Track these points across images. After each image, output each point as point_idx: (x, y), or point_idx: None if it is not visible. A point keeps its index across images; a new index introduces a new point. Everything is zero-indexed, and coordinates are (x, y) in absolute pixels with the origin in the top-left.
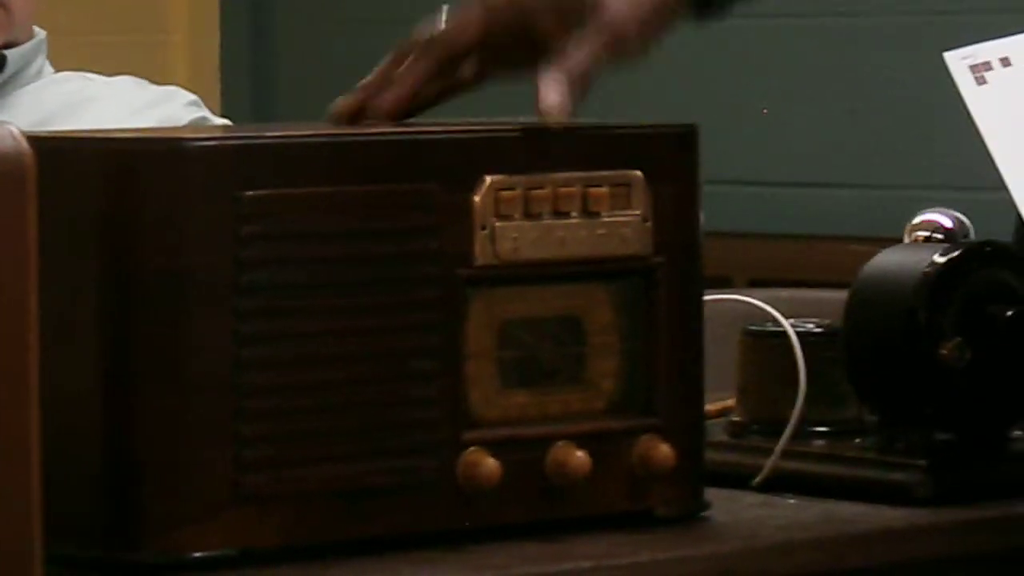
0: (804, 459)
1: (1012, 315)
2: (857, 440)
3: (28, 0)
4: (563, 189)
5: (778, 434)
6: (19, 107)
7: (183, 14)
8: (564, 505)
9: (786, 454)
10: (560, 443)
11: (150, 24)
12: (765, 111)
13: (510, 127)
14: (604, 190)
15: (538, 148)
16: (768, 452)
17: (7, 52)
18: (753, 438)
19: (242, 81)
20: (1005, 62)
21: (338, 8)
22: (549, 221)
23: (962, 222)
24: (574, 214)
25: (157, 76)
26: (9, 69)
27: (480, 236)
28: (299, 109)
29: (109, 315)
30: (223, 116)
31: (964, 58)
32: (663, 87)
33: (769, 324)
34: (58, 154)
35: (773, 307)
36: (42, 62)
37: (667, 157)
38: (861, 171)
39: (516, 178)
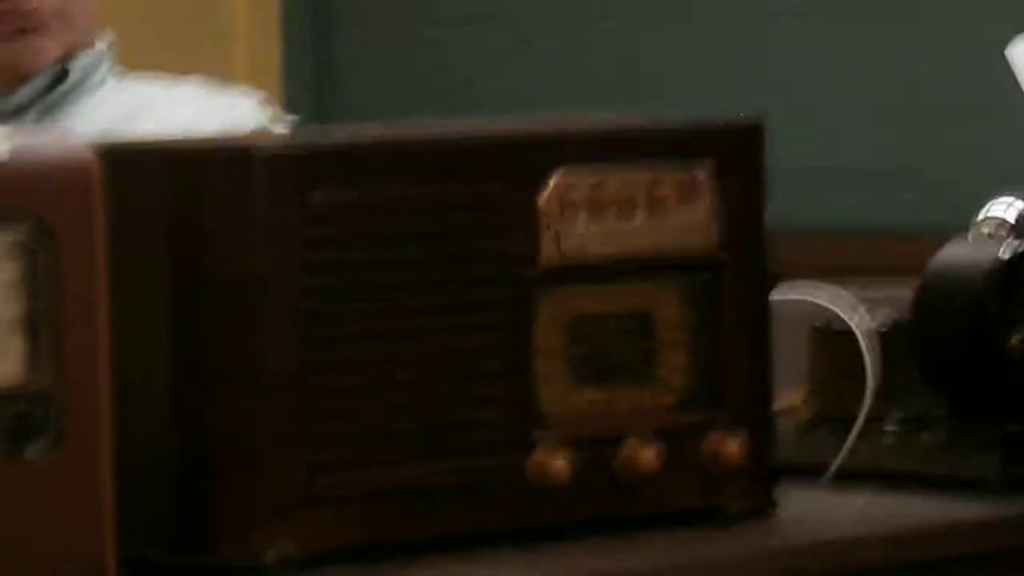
0: (874, 453)
1: None
2: (927, 433)
3: (88, 6)
4: (628, 187)
5: (848, 429)
6: (86, 114)
7: (244, 13)
8: (634, 502)
9: (856, 449)
10: (630, 440)
11: (212, 24)
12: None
13: (575, 125)
14: (670, 186)
15: (603, 146)
16: (838, 447)
17: (71, 62)
18: (823, 433)
19: (304, 79)
20: None
21: (399, 5)
22: (615, 218)
23: None
24: (640, 211)
25: (219, 76)
26: (73, 78)
27: (546, 235)
28: (362, 107)
29: (180, 320)
30: (288, 112)
31: None
32: (726, 79)
33: (837, 319)
34: (125, 161)
35: (840, 301)
36: (106, 69)
37: (733, 152)
38: (926, 165)
39: (581, 176)
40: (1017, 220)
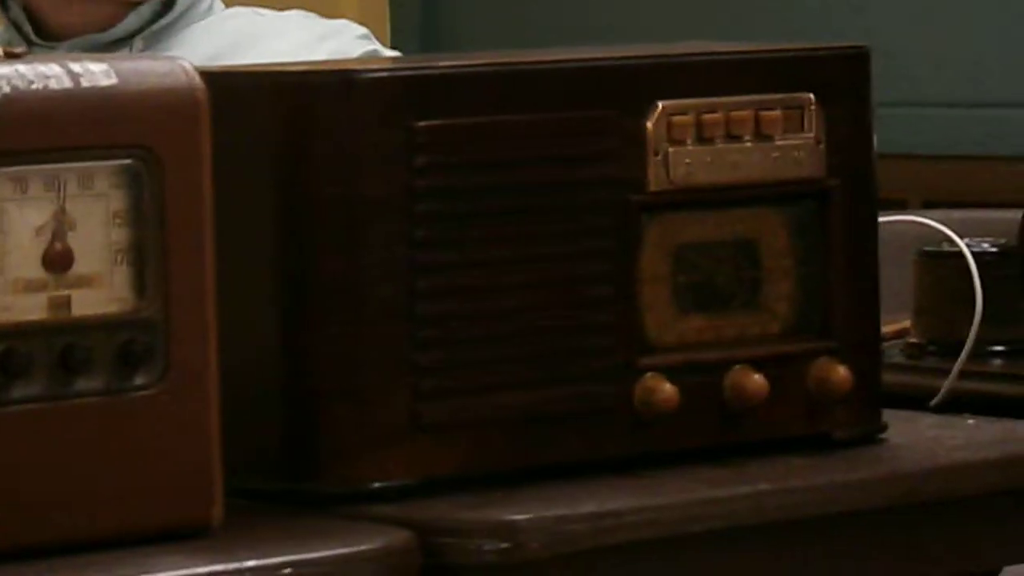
0: (982, 379)
1: None
2: None
3: None
4: (735, 113)
5: (955, 355)
6: (191, 43)
7: None
8: (741, 429)
9: (963, 374)
10: (737, 367)
11: None
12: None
13: (682, 53)
14: (777, 113)
15: (710, 73)
16: (945, 373)
17: None
18: (930, 359)
19: (411, 14)
20: None
21: None
22: (722, 145)
23: None
24: (747, 138)
25: (327, 11)
26: (179, 7)
27: (653, 162)
28: (467, 42)
29: (285, 246)
30: (391, 45)
31: None
32: (827, 8)
33: (944, 245)
34: (232, 89)
35: (947, 228)
36: None
37: (839, 80)
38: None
39: (688, 103)
40: None
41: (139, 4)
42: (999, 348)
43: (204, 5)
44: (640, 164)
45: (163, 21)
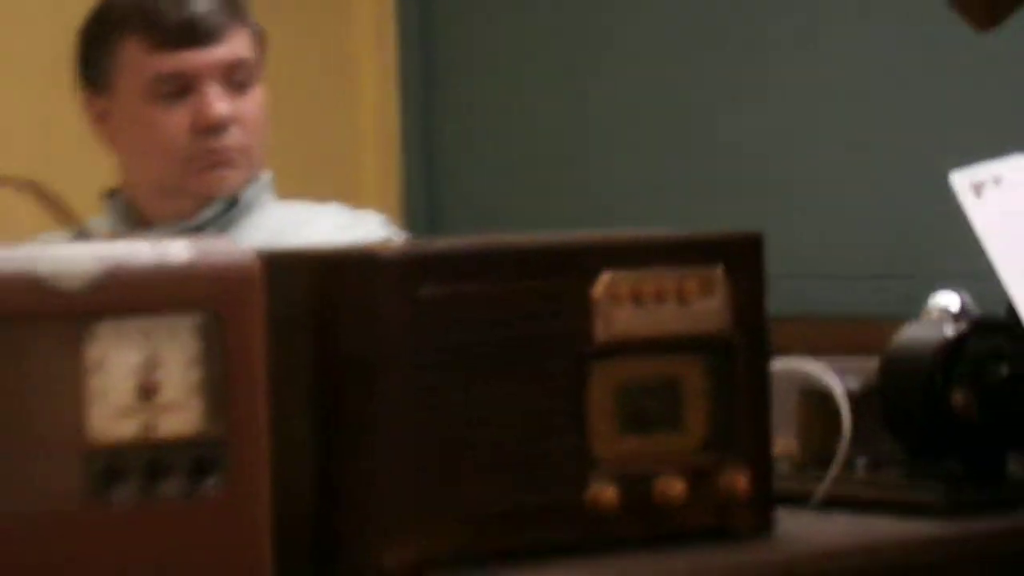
0: (850, 484)
1: (1007, 373)
2: (889, 470)
3: (264, 146)
4: (662, 282)
5: (828, 467)
6: (248, 230)
7: (370, 162)
8: (668, 525)
9: (836, 481)
10: (664, 476)
11: (343, 169)
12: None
13: (622, 236)
14: (694, 283)
15: (643, 251)
16: (822, 479)
17: (242, 191)
18: (809, 470)
19: (418, 205)
20: (997, 180)
21: (507, 141)
22: (652, 307)
23: (967, 301)
24: (671, 301)
25: (351, 200)
26: (243, 204)
27: (599, 319)
28: (466, 221)
29: (319, 391)
30: (404, 229)
31: (966, 177)
32: (735, 196)
33: (821, 385)
34: (280, 265)
35: (824, 371)
36: (267, 196)
37: (741, 257)
38: (886, 263)
39: (627, 274)
40: (958, 309)
41: (212, 200)
42: (862, 463)
43: (260, 200)
44: (589, 321)
45: (230, 214)
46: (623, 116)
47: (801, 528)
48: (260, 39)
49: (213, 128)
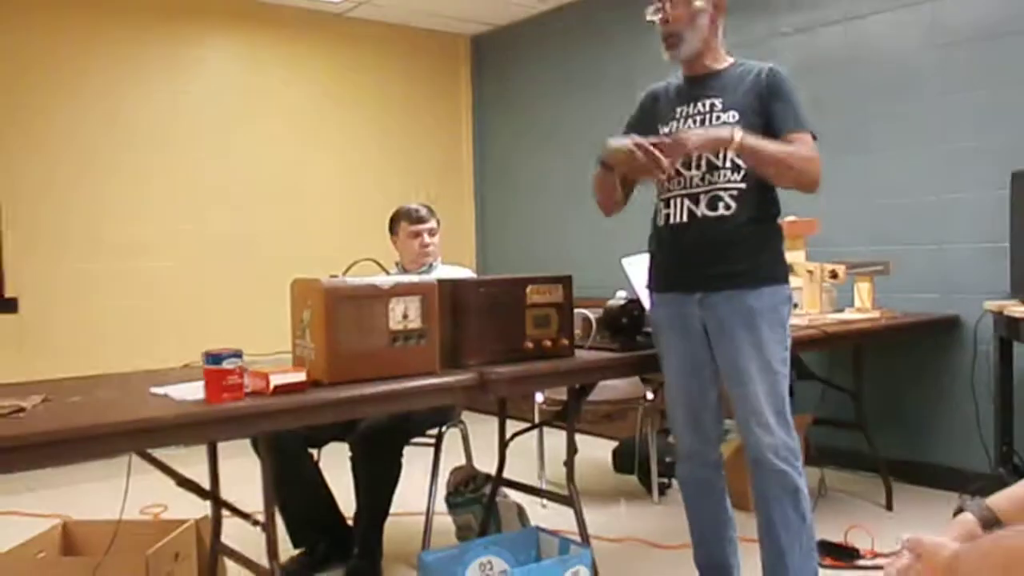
0: (598, 343)
1: (624, 312)
2: (608, 340)
3: (439, 238)
4: None
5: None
6: (438, 272)
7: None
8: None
9: (593, 342)
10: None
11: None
12: None
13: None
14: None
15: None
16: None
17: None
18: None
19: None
20: None
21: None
22: None
23: (627, 293)
24: None
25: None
26: (433, 273)
27: None
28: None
29: (450, 315)
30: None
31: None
32: (551, 242)
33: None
34: (448, 284)
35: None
36: (439, 263)
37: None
38: (602, 278)
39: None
40: (626, 300)
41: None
42: (605, 335)
43: (437, 264)
44: None
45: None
46: None
47: (585, 354)
48: None
49: None
